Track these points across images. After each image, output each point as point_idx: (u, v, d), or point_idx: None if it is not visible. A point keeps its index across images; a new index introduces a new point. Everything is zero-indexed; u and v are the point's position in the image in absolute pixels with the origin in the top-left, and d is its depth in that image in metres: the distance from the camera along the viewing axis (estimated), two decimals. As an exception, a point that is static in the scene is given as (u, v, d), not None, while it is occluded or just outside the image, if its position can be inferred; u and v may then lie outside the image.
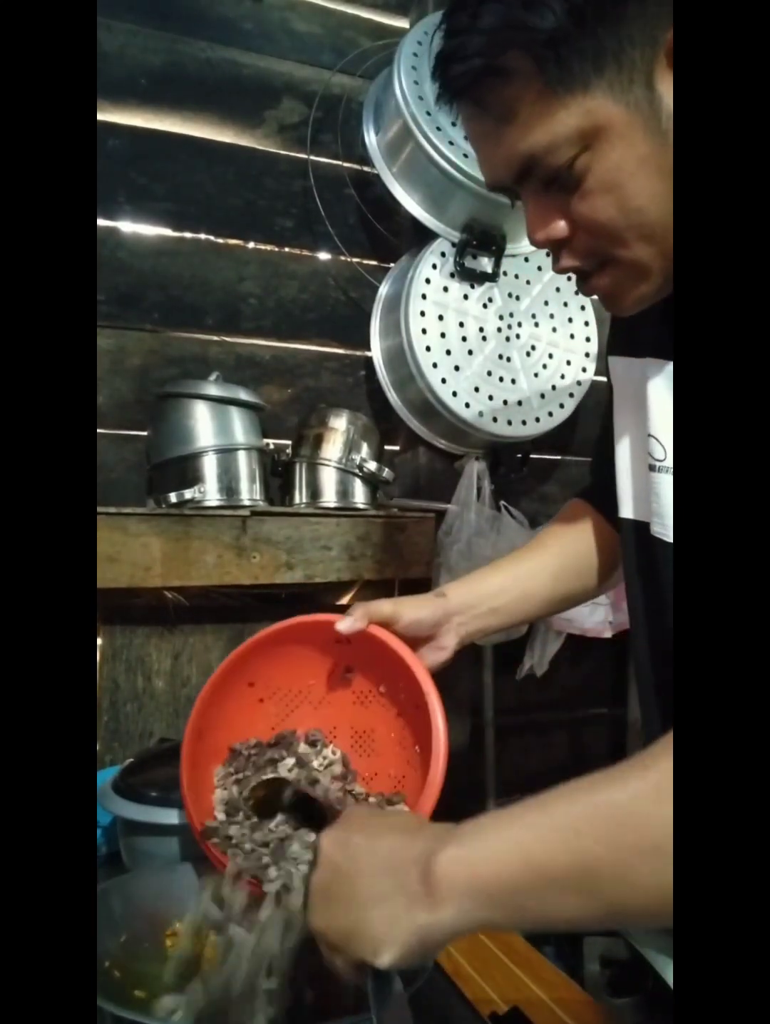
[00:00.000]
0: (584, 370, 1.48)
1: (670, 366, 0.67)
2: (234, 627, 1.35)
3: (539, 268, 1.46)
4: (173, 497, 1.21)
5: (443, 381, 1.35)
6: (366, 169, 1.45)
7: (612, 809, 0.48)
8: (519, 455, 1.47)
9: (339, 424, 1.35)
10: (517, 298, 1.44)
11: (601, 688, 1.75)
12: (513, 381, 1.42)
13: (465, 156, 1.29)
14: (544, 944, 1.52)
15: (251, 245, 1.43)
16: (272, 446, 1.38)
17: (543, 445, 1.51)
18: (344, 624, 0.76)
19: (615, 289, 0.64)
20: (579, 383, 1.48)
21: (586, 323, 1.49)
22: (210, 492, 1.23)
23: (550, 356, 1.46)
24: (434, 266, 1.37)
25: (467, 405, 1.37)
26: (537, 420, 1.44)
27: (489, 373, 1.40)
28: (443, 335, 1.36)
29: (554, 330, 1.46)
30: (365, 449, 1.35)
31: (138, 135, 1.34)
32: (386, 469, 1.37)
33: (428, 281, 1.36)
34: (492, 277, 1.40)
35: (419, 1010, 0.64)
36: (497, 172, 0.62)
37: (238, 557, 1.22)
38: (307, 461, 1.35)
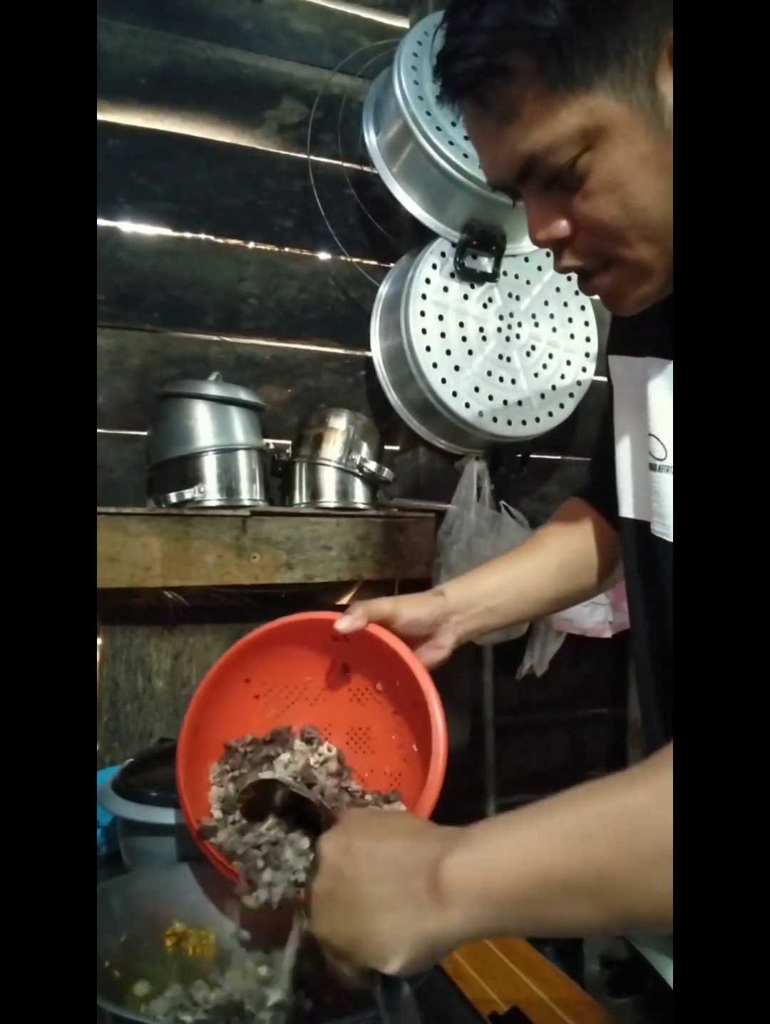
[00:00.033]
0: (584, 370, 1.48)
1: (671, 365, 0.67)
2: (234, 627, 1.35)
3: (539, 268, 1.46)
4: (173, 497, 1.21)
5: (443, 381, 1.35)
6: (366, 169, 1.45)
7: (624, 816, 0.47)
8: (519, 455, 1.47)
9: (339, 424, 1.35)
10: (517, 298, 1.44)
11: (601, 688, 1.75)
12: (513, 381, 1.42)
13: (465, 156, 1.29)
14: (544, 944, 1.52)
15: (251, 245, 1.43)
16: (272, 446, 1.38)
17: (543, 445, 1.51)
18: (343, 623, 0.76)
19: (617, 289, 0.64)
20: (579, 383, 1.48)
21: (586, 323, 1.49)
22: (210, 492, 1.23)
23: (550, 356, 1.46)
24: (434, 266, 1.37)
25: (467, 405, 1.37)
26: (537, 420, 1.44)
27: (489, 373, 1.40)
28: (443, 335, 1.36)
29: (554, 330, 1.46)
30: (365, 449, 1.35)
31: (138, 135, 1.34)
32: (386, 469, 1.37)
33: (428, 281, 1.36)
34: (492, 277, 1.40)
35: (419, 1010, 0.64)
36: (499, 171, 0.62)
37: (238, 557, 1.22)
38: (307, 461, 1.35)
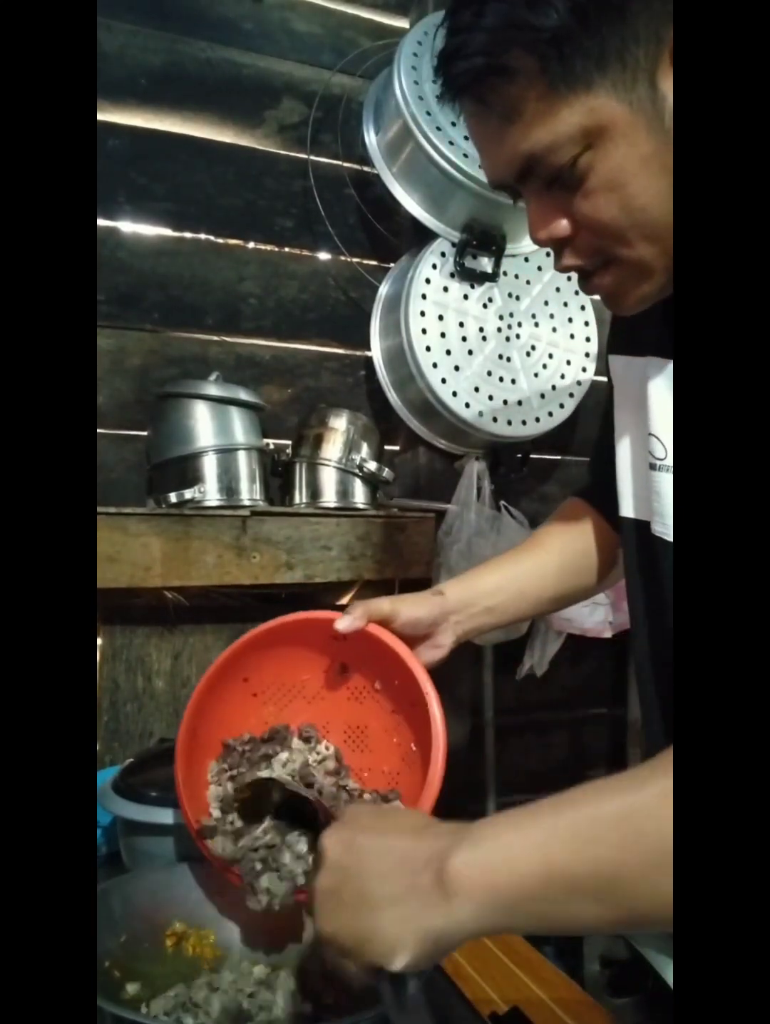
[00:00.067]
0: (584, 370, 1.48)
1: (671, 365, 0.67)
2: (234, 627, 1.34)
3: (539, 268, 1.46)
4: (173, 497, 1.21)
5: (443, 381, 1.35)
6: (366, 169, 1.45)
7: (631, 816, 0.47)
8: (519, 455, 1.47)
9: (339, 424, 1.35)
10: (517, 298, 1.44)
11: (601, 688, 1.75)
12: (513, 381, 1.42)
13: (465, 156, 1.29)
14: (544, 944, 1.52)
15: (251, 245, 1.43)
16: (272, 446, 1.38)
17: (543, 445, 1.51)
18: (343, 623, 0.76)
19: (617, 288, 0.64)
20: (579, 383, 1.48)
21: (586, 323, 1.49)
22: (210, 492, 1.23)
23: (550, 356, 1.46)
24: (434, 266, 1.37)
25: (467, 405, 1.37)
26: (537, 420, 1.44)
27: (489, 373, 1.40)
28: (443, 335, 1.36)
29: (554, 330, 1.46)
30: (365, 449, 1.35)
31: (138, 135, 1.34)
32: (386, 469, 1.37)
33: (428, 281, 1.36)
34: (492, 277, 1.40)
35: (427, 1006, 0.64)
36: (499, 171, 0.62)
37: (238, 557, 1.22)
38: (307, 461, 1.35)
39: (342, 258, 1.46)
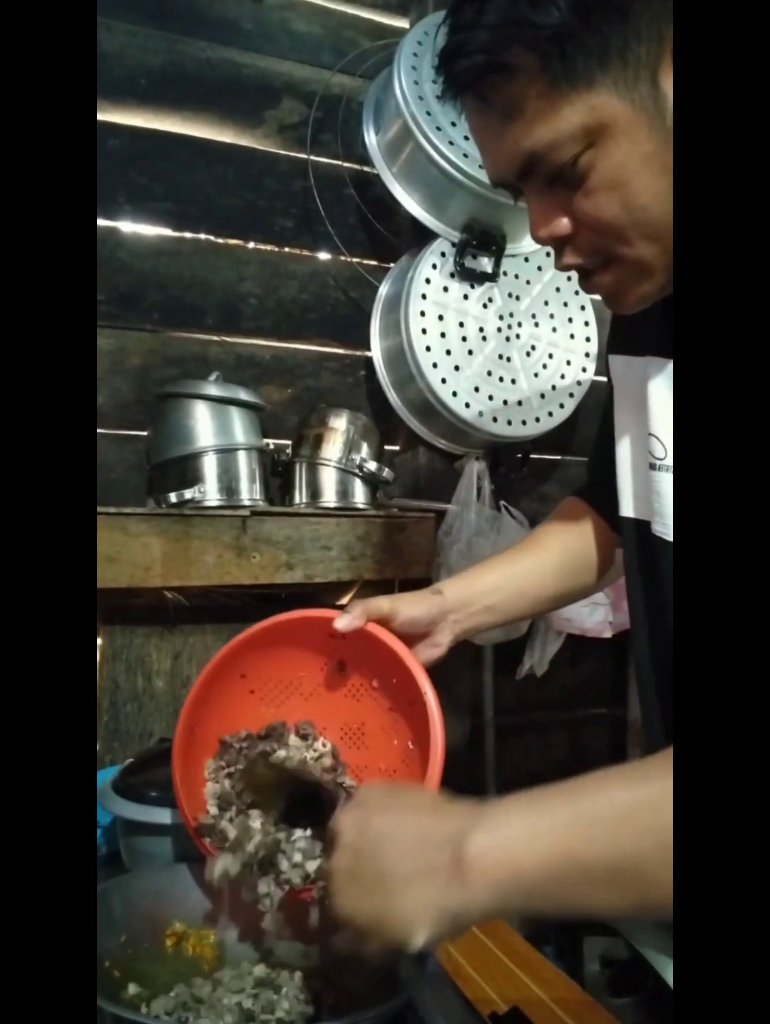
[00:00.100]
0: (584, 370, 1.48)
1: (671, 365, 0.67)
2: (234, 627, 1.33)
3: (539, 268, 1.46)
4: (173, 497, 1.21)
5: (443, 381, 1.35)
6: (366, 169, 1.45)
7: (649, 805, 0.47)
8: (519, 455, 1.47)
9: (339, 424, 1.35)
10: (517, 298, 1.44)
11: (601, 688, 1.75)
12: (513, 381, 1.42)
13: (465, 156, 1.29)
14: (544, 944, 1.52)
15: (251, 245, 1.43)
16: (272, 446, 1.38)
17: (543, 445, 1.51)
18: (343, 622, 0.76)
19: (617, 287, 0.63)
20: (579, 383, 1.48)
21: (586, 323, 1.49)
22: (210, 492, 1.23)
23: (550, 356, 1.46)
24: (434, 266, 1.37)
25: (467, 405, 1.37)
26: (537, 420, 1.44)
27: (489, 373, 1.40)
28: (443, 335, 1.36)
29: (554, 330, 1.46)
30: (365, 449, 1.35)
31: (138, 135, 1.34)
32: (386, 469, 1.37)
33: (428, 281, 1.36)
34: (492, 277, 1.40)
35: (418, 1011, 0.64)
36: (500, 169, 0.62)
37: (238, 557, 1.22)
38: (307, 461, 1.35)
39: (342, 258, 1.46)
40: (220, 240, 1.40)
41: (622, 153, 0.56)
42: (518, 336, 1.43)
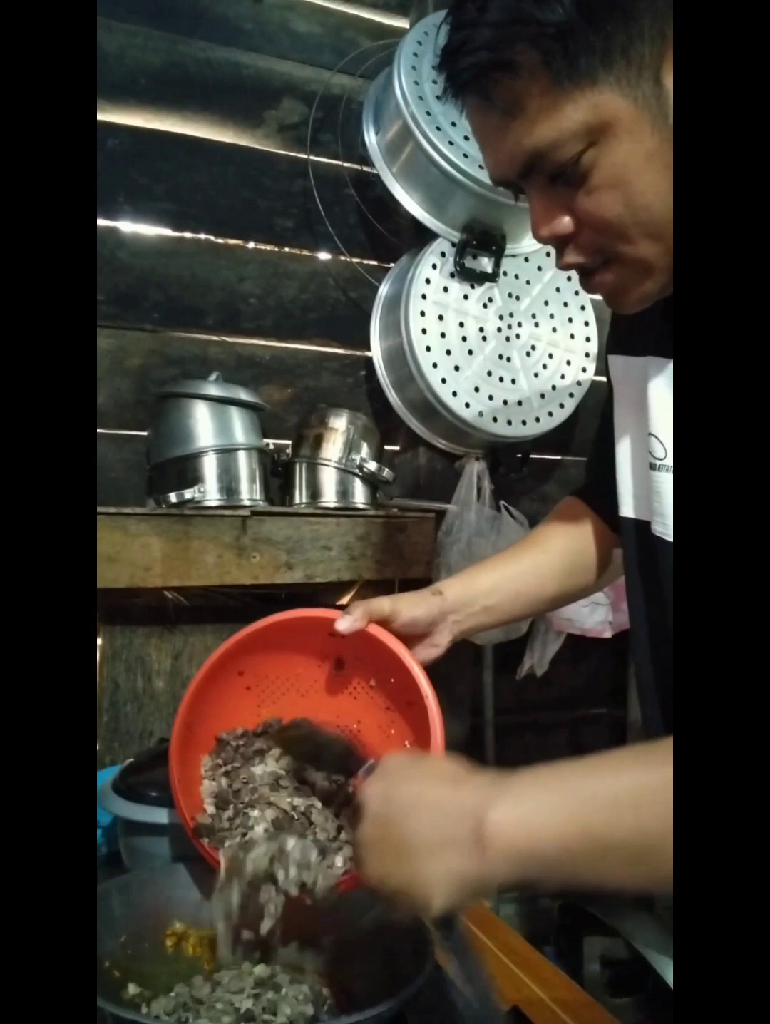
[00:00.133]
0: (584, 370, 1.48)
1: (671, 365, 0.67)
2: (234, 627, 1.32)
3: (539, 268, 1.46)
4: (173, 497, 1.21)
5: (443, 381, 1.35)
6: (366, 169, 1.45)
7: (666, 787, 0.47)
8: (519, 455, 1.47)
9: (339, 424, 1.35)
10: (517, 298, 1.44)
11: (601, 688, 1.75)
12: (513, 381, 1.42)
13: (465, 156, 1.29)
14: (544, 944, 1.52)
15: (251, 245, 1.43)
16: (272, 446, 1.38)
17: (543, 445, 1.51)
18: (343, 623, 0.76)
19: (619, 286, 0.63)
20: (579, 383, 1.48)
21: (586, 323, 1.49)
22: (210, 492, 1.23)
23: (550, 356, 1.46)
24: (434, 266, 1.37)
25: (467, 405, 1.37)
26: (537, 420, 1.44)
27: (489, 373, 1.40)
28: (443, 335, 1.36)
29: (554, 330, 1.46)
30: (365, 449, 1.35)
31: (138, 135, 1.34)
32: (386, 469, 1.37)
33: (428, 281, 1.36)
34: (492, 277, 1.40)
35: (418, 1011, 0.64)
36: (502, 167, 0.62)
37: (238, 557, 1.22)
38: (307, 461, 1.35)
39: (342, 258, 1.46)
40: (220, 240, 1.40)
41: (625, 152, 0.56)
42: (518, 336, 1.43)
